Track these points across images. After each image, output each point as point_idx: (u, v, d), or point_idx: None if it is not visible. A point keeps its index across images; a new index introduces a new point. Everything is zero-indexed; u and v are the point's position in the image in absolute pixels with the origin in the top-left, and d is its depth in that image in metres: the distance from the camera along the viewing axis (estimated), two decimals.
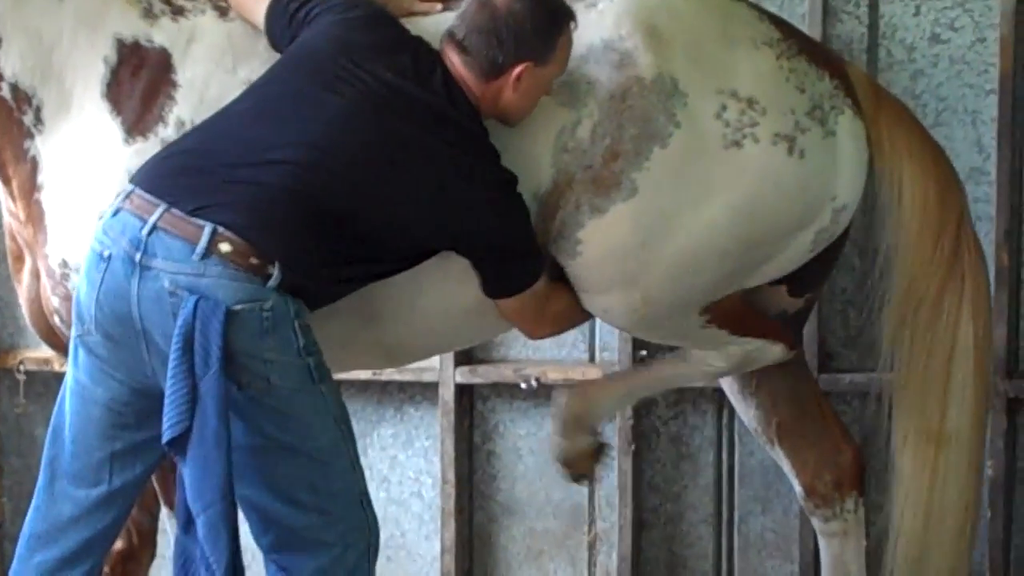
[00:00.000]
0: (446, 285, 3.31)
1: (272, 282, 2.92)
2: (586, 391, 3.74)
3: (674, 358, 3.72)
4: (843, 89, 3.44)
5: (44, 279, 3.36)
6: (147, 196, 2.97)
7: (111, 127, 3.31)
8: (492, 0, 3.13)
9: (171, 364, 2.87)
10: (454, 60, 3.15)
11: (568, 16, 3.20)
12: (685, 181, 3.28)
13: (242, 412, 2.95)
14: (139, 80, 3.32)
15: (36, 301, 3.47)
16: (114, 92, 3.32)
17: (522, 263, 3.23)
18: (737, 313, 3.53)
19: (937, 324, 3.57)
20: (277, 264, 2.93)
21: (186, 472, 2.92)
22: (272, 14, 3.30)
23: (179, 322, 2.86)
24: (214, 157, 3.01)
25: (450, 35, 3.17)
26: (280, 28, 3.29)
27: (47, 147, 3.33)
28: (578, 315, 3.48)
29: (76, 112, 3.33)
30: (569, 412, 3.68)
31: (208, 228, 2.91)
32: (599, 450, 3.79)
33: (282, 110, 3.06)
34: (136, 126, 3.30)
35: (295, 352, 2.96)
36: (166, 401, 2.88)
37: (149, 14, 3.36)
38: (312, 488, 3.02)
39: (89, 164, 3.29)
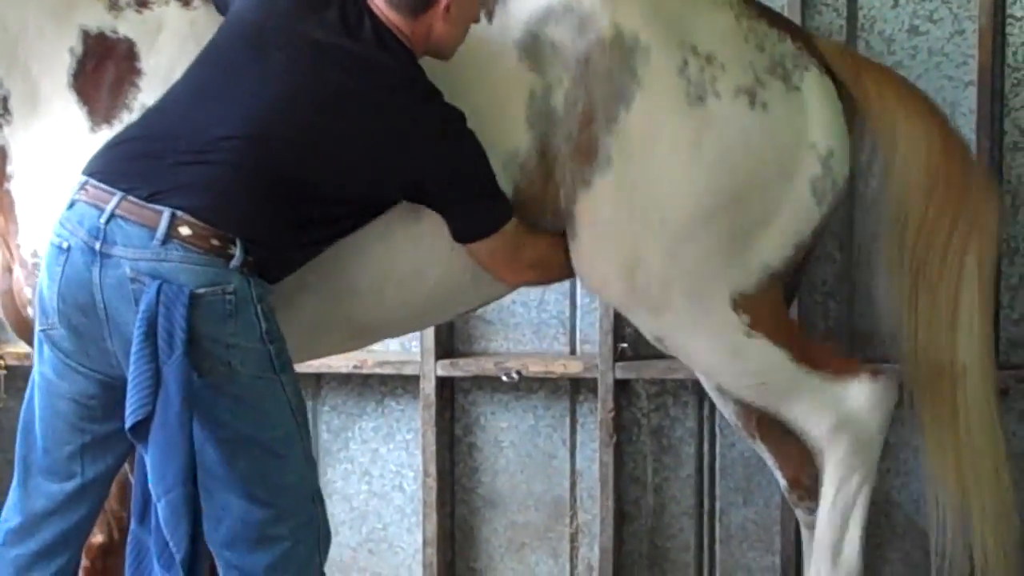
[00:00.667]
0: (418, 249, 3.31)
1: (235, 262, 2.92)
2: None
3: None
4: (807, 51, 3.44)
5: (17, 271, 3.36)
6: (102, 185, 2.97)
7: (78, 116, 3.31)
8: None
9: (134, 350, 2.86)
10: (379, 4, 3.13)
11: None
12: (654, 142, 3.28)
13: (200, 401, 2.93)
14: (105, 70, 3.33)
15: (9, 294, 3.47)
16: (80, 82, 3.32)
17: (484, 203, 3.21)
18: (782, 319, 3.48)
19: (946, 257, 3.52)
20: (238, 242, 2.93)
21: (148, 457, 2.90)
22: None
23: (142, 307, 2.86)
24: (163, 141, 3.01)
25: None
26: None
27: (15, 137, 3.34)
28: (557, 263, 3.44)
29: (43, 102, 3.33)
30: None
31: (167, 213, 2.91)
32: None
33: (220, 85, 3.06)
34: (102, 115, 3.31)
35: (258, 337, 2.96)
36: (129, 387, 2.87)
37: (115, 6, 3.37)
38: (266, 481, 3.01)
39: (57, 154, 3.30)
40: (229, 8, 3.25)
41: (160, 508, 2.90)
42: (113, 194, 2.94)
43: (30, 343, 3.27)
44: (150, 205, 2.92)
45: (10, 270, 3.42)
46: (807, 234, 3.47)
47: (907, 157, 3.53)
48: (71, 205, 3.00)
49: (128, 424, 2.87)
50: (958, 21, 4.31)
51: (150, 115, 3.14)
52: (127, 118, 3.27)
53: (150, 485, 2.92)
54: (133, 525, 3.08)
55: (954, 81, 4.33)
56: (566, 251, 3.41)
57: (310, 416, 4.36)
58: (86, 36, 3.34)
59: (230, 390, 2.96)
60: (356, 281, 3.35)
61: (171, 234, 2.90)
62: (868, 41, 4.38)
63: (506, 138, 3.29)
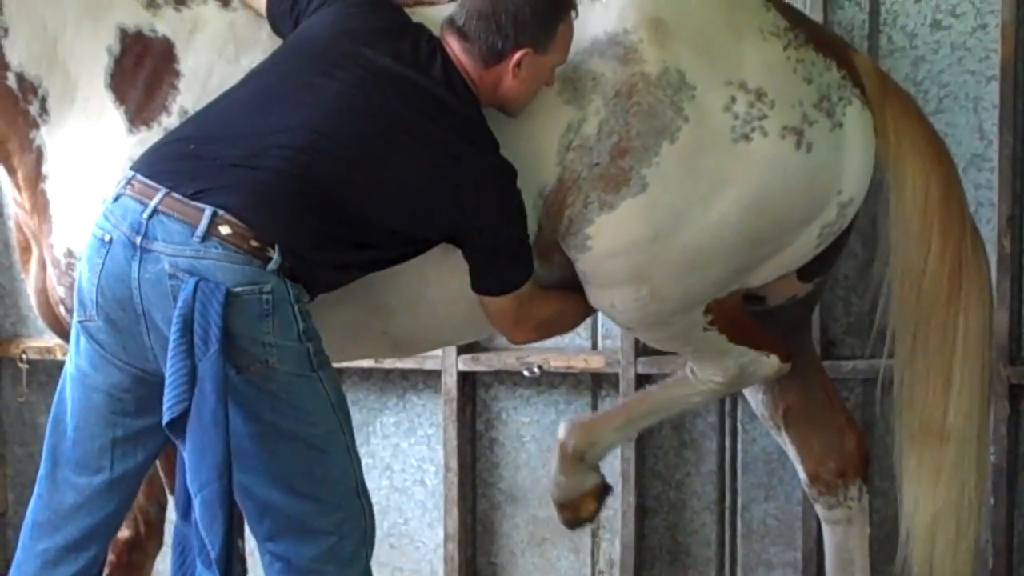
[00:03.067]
0: (453, 278, 3.30)
1: (272, 265, 2.92)
2: (587, 425, 3.76)
3: (672, 380, 3.75)
4: (850, 79, 3.43)
5: (49, 269, 3.36)
6: (147, 181, 2.97)
7: (114, 117, 3.30)
8: None
9: (171, 346, 2.86)
10: (454, 46, 3.15)
11: (569, 4, 3.20)
12: (695, 175, 3.27)
13: (240, 397, 2.95)
14: (142, 70, 3.32)
15: (44, 292, 3.47)
16: (117, 82, 3.32)
17: (507, 263, 3.22)
18: (737, 316, 3.53)
19: (937, 320, 3.55)
20: (277, 247, 2.93)
21: (184, 454, 2.91)
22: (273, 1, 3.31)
23: (179, 304, 2.86)
24: (213, 143, 3.01)
25: (450, 21, 3.17)
26: (282, 14, 3.30)
27: (52, 137, 3.33)
28: (564, 325, 3.50)
29: (80, 102, 3.32)
30: (571, 448, 3.71)
31: (208, 211, 2.91)
32: (602, 491, 3.81)
33: (281, 96, 3.07)
34: (139, 116, 3.30)
35: (295, 336, 2.96)
36: (166, 383, 2.87)
37: (152, 4, 3.36)
38: (308, 476, 3.01)
39: (93, 154, 3.29)
40: (288, 22, 3.25)
41: (196, 504, 2.90)
42: (158, 190, 2.95)
43: (64, 339, 3.29)
44: (193, 203, 2.92)
45: (46, 267, 3.41)
46: (795, 268, 3.51)
47: (907, 201, 3.53)
48: (116, 198, 3.00)
49: (165, 420, 2.88)
50: (980, 15, 4.30)
51: (203, 116, 3.14)
52: (166, 120, 3.27)
53: (187, 481, 2.93)
54: (177, 520, 3.08)
55: (977, 75, 4.32)
56: (574, 311, 3.45)
57: None
58: (124, 35, 3.33)
59: (269, 387, 2.96)
60: (390, 299, 3.35)
61: (211, 232, 2.90)
62: (890, 36, 4.37)
63: (538, 173, 3.28)
